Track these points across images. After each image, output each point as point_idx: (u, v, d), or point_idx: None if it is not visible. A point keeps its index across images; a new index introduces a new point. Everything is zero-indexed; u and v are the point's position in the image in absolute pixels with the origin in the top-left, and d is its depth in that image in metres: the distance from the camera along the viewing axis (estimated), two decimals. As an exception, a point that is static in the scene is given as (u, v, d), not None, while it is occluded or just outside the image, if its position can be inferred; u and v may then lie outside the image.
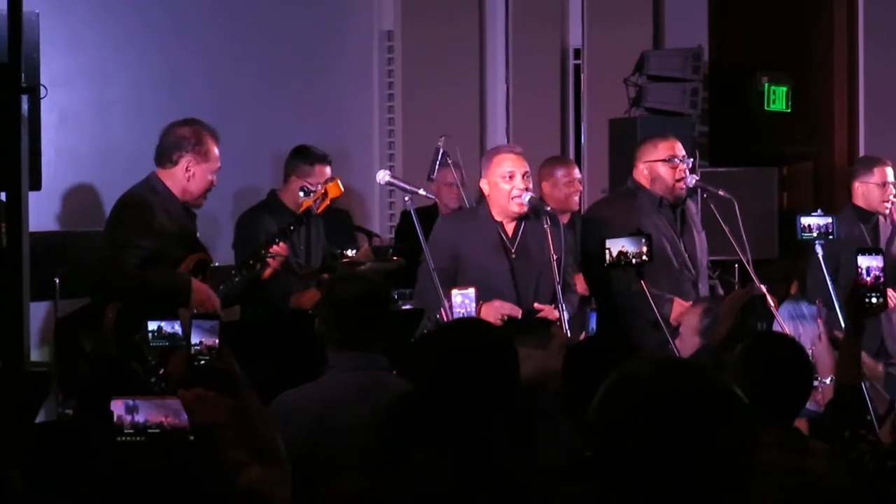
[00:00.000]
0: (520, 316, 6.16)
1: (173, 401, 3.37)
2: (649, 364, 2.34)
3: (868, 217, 7.86)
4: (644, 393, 2.28)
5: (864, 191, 7.87)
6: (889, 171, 7.91)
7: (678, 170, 6.86)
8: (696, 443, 2.24)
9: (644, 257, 5.80)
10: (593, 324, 5.59)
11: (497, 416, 3.14)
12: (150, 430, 3.33)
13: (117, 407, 3.34)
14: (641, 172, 6.91)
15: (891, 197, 7.86)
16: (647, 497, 2.23)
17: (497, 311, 6.12)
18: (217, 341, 3.77)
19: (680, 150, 6.92)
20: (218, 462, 3.40)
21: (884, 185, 7.84)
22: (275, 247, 6.46)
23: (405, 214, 9.00)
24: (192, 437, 3.34)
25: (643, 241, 5.82)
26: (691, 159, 7.02)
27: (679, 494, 2.23)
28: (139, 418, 3.33)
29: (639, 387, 2.29)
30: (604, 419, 2.29)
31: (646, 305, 6.06)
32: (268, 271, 6.49)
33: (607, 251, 5.82)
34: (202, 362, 3.75)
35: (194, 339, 3.77)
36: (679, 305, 6.45)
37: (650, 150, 6.93)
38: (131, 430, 3.33)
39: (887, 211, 7.87)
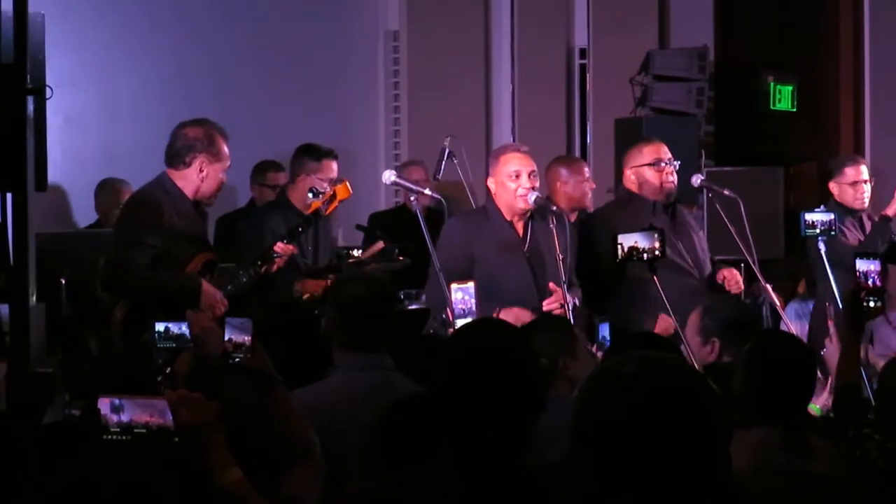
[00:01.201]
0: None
1: (159, 401, 3.38)
2: (633, 362, 2.38)
3: (853, 212, 7.89)
4: (625, 390, 2.33)
5: (839, 191, 7.94)
6: (862, 168, 7.95)
7: (664, 172, 6.87)
8: (675, 438, 2.28)
9: (657, 252, 5.79)
10: (604, 332, 5.55)
11: (517, 418, 3.13)
12: (135, 430, 3.33)
13: (103, 405, 3.34)
14: (629, 178, 6.95)
15: (864, 195, 7.88)
16: (627, 492, 2.26)
17: (516, 317, 6.10)
18: (249, 339, 3.77)
19: (665, 154, 6.93)
20: (201, 463, 3.40)
21: (854, 184, 7.88)
22: (280, 245, 6.46)
23: (373, 217, 9.01)
24: (176, 438, 3.35)
25: (656, 236, 5.81)
26: (677, 162, 7.00)
27: (658, 489, 2.27)
28: (124, 418, 3.33)
29: (620, 384, 2.34)
30: (585, 415, 2.32)
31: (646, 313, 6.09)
32: (268, 268, 6.49)
33: (619, 246, 5.80)
34: (236, 360, 3.75)
35: (226, 337, 3.78)
36: (665, 323, 6.44)
37: (636, 156, 6.97)
38: (117, 429, 3.33)
39: (864, 206, 7.88)
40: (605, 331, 5.54)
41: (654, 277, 5.84)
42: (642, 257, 5.79)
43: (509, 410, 3.11)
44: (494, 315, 6.03)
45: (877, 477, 3.90)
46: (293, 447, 3.65)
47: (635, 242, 5.78)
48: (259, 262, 6.46)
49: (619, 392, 2.31)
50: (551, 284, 6.24)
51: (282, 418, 3.70)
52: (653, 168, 6.87)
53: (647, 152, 6.93)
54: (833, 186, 7.97)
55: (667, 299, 6.05)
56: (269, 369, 3.80)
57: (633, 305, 6.57)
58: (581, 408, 2.34)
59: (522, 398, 3.16)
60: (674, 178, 6.90)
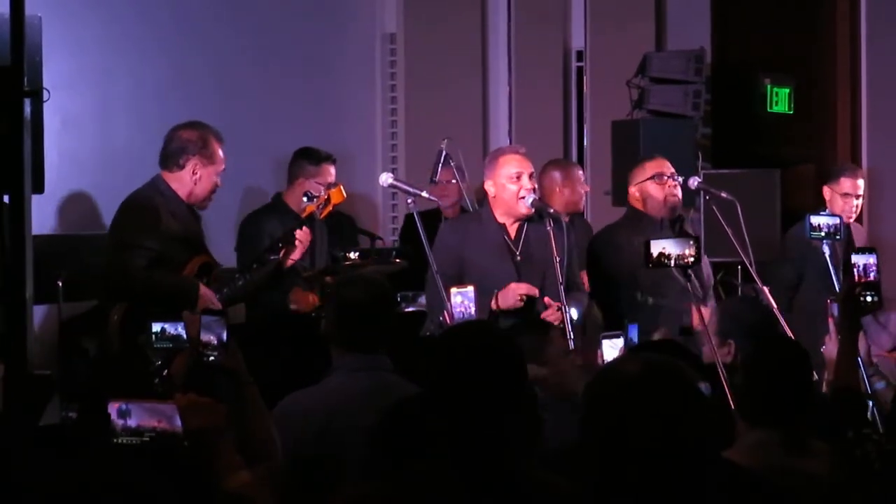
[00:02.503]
0: (538, 295, 6.15)
1: (167, 406, 3.38)
2: (637, 362, 2.51)
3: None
4: (629, 389, 2.44)
5: (830, 197, 7.94)
6: (859, 182, 7.95)
7: (667, 186, 6.89)
8: (671, 435, 2.39)
9: (687, 259, 5.76)
10: (632, 334, 5.54)
11: (504, 417, 3.14)
12: (145, 434, 3.34)
13: (112, 409, 3.35)
14: (634, 195, 7.00)
15: (852, 208, 7.87)
16: (630, 483, 2.32)
17: (514, 292, 6.12)
18: (217, 338, 3.78)
19: (668, 168, 6.97)
20: (210, 467, 3.41)
21: (845, 195, 7.88)
22: (298, 231, 6.47)
23: (409, 217, 9.01)
24: (185, 443, 3.35)
25: (691, 242, 5.79)
26: (681, 177, 7.02)
27: (656, 482, 2.37)
28: (132, 423, 3.34)
29: (624, 383, 2.45)
30: (590, 412, 2.37)
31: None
32: (289, 261, 6.50)
33: (650, 252, 5.81)
34: (210, 358, 3.76)
35: (202, 335, 3.79)
36: (696, 312, 6.41)
37: (639, 173, 7.02)
38: (126, 433, 3.34)
39: (849, 220, 7.85)
40: (633, 332, 5.53)
41: (688, 284, 5.84)
42: (669, 264, 5.76)
43: (495, 410, 3.13)
44: (493, 301, 6.06)
45: (875, 479, 3.91)
46: (256, 447, 3.66)
47: (663, 248, 5.76)
48: (255, 265, 6.46)
49: (621, 390, 2.37)
50: (546, 299, 6.22)
51: (250, 418, 3.71)
52: (655, 182, 6.89)
53: (649, 167, 6.96)
54: (826, 191, 7.99)
55: (671, 320, 6.09)
56: (241, 369, 3.81)
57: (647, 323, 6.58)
58: (586, 405, 2.40)
59: (507, 397, 3.17)
60: (678, 192, 6.91)
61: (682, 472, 2.36)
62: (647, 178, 6.93)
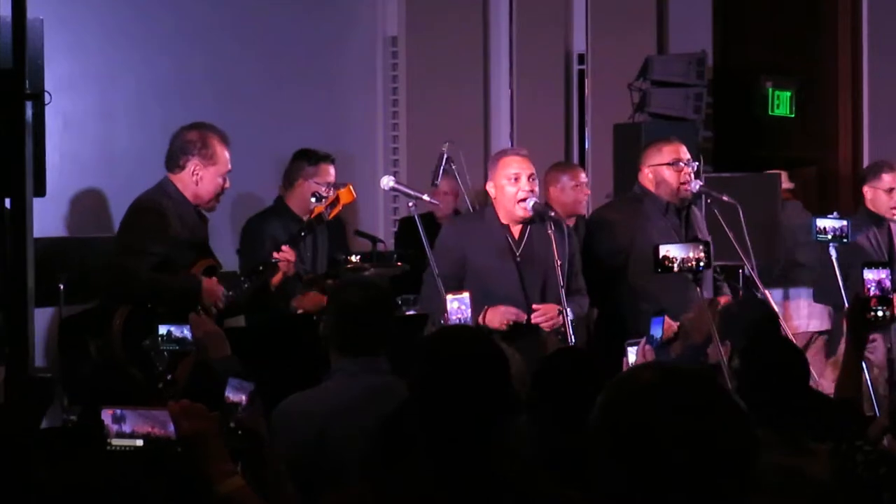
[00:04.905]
0: (524, 321, 6.16)
1: (160, 412, 3.39)
2: (652, 371, 2.40)
3: (881, 221, 7.88)
4: (648, 399, 2.34)
5: (873, 196, 7.90)
6: None
7: (683, 173, 6.83)
8: (698, 447, 2.29)
9: (692, 264, 5.74)
10: (655, 331, 5.51)
11: (489, 420, 3.15)
12: (138, 441, 3.35)
13: (106, 416, 3.36)
14: (646, 176, 6.88)
15: None
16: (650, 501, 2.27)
17: (503, 315, 6.13)
18: (246, 398, 3.73)
19: (685, 154, 6.89)
20: (203, 472, 3.41)
21: (891, 190, 7.86)
22: (281, 252, 6.45)
23: (403, 221, 9.01)
24: (179, 448, 3.36)
25: (701, 247, 5.75)
26: (696, 163, 7.00)
27: (682, 498, 2.28)
28: (126, 428, 3.35)
29: (642, 393, 2.35)
30: (607, 423, 2.33)
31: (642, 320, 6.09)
32: (277, 277, 6.47)
33: (656, 256, 5.80)
34: (232, 424, 3.71)
35: (225, 395, 3.73)
36: (668, 325, 6.40)
37: (655, 154, 6.91)
38: (120, 440, 3.34)
39: (895, 216, 7.89)
40: (656, 328, 5.50)
41: (698, 288, 5.83)
42: (672, 268, 5.74)
43: (477, 411, 3.14)
44: (481, 316, 6.06)
45: (861, 486, 3.91)
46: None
47: (668, 252, 5.75)
48: (261, 269, 6.46)
49: (637, 399, 2.32)
50: (535, 305, 6.23)
51: (268, 480, 3.70)
52: (671, 168, 6.82)
53: (667, 152, 6.86)
54: (867, 191, 7.93)
55: (667, 302, 6.07)
56: (261, 430, 3.79)
57: (635, 303, 6.59)
58: (600, 413, 2.36)
59: (490, 399, 3.18)
60: (692, 182, 6.85)
61: (697, 479, 2.31)
62: (664, 163, 6.87)
